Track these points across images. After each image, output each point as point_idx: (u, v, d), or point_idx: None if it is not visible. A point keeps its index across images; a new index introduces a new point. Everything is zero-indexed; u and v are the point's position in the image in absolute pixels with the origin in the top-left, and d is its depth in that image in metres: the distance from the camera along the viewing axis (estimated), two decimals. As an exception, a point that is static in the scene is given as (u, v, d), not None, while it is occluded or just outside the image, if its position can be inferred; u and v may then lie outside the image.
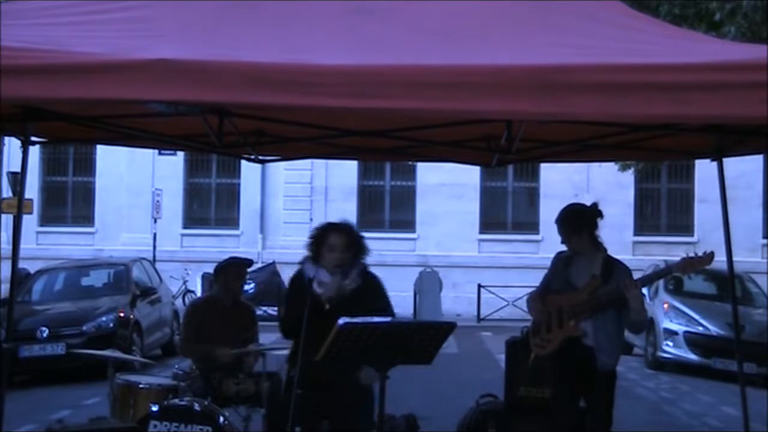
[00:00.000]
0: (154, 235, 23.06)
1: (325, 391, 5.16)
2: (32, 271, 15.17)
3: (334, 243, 5.19)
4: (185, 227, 25.26)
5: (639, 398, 11.33)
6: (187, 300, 21.02)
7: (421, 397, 10.08)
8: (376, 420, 4.72)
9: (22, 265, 9.50)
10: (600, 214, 5.69)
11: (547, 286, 5.81)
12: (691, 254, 5.53)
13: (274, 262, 22.28)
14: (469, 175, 22.68)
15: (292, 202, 24.92)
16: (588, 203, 5.86)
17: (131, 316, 13.30)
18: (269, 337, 7.94)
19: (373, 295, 5.29)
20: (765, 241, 23.46)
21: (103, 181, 25.27)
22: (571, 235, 5.66)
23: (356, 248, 5.28)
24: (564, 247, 5.77)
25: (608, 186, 22.26)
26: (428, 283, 21.55)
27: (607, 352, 5.55)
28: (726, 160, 6.28)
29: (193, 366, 6.15)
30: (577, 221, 5.67)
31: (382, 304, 5.28)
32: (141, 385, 5.96)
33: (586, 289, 5.55)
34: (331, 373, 4.95)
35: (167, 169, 24.52)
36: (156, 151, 20.32)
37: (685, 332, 13.77)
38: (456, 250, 23.90)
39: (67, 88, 3.74)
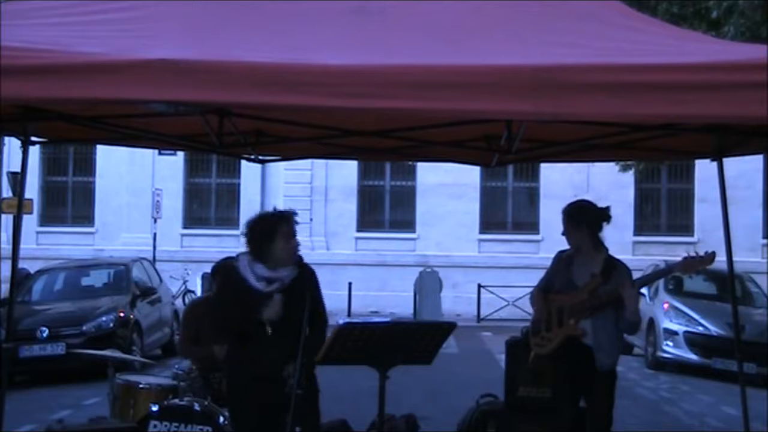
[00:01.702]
0: (154, 235, 23.04)
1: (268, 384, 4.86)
2: (32, 271, 15.16)
3: (290, 231, 4.92)
4: (185, 227, 25.24)
5: (639, 398, 11.32)
6: (187, 300, 21.01)
7: (421, 397, 10.08)
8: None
9: (22, 265, 9.50)
10: (607, 218, 5.67)
11: (549, 283, 5.81)
12: (692, 254, 5.52)
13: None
14: (469, 175, 22.67)
15: (292, 202, 24.79)
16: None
17: (131, 316, 13.30)
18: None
19: (310, 284, 4.89)
20: (765, 241, 23.43)
21: (103, 181, 25.25)
22: (571, 228, 5.66)
23: None
24: (565, 245, 5.77)
25: (608, 186, 22.23)
26: (428, 283, 21.54)
27: (607, 351, 5.55)
28: (726, 160, 6.27)
29: (193, 366, 6.14)
30: (580, 216, 5.67)
31: (318, 295, 4.94)
32: (141, 385, 5.97)
33: (586, 288, 5.55)
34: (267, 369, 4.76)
35: (167, 169, 24.50)
36: (156, 151, 20.30)
37: (685, 332, 13.75)
38: (456, 250, 23.87)
39: (67, 88, 3.74)
